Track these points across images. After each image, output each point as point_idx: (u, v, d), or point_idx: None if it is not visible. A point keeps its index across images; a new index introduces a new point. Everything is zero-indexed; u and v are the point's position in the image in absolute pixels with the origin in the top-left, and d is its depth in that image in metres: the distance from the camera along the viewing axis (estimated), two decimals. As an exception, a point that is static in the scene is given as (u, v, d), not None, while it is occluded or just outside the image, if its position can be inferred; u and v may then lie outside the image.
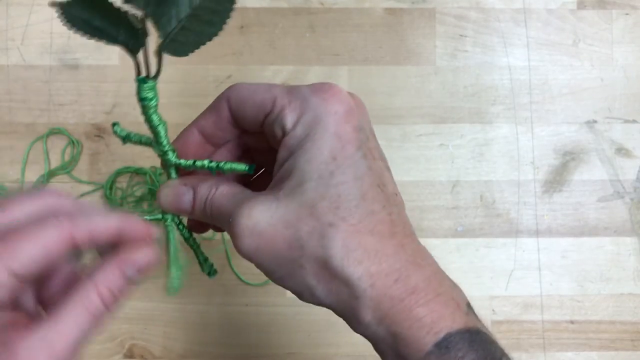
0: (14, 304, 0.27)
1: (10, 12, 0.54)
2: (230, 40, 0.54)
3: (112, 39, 0.28)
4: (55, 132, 0.53)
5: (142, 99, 0.29)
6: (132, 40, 0.27)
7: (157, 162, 0.53)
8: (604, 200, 0.55)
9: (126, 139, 0.32)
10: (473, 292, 0.53)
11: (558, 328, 0.54)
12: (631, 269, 0.54)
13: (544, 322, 0.54)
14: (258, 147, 0.33)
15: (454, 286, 0.30)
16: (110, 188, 0.53)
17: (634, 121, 0.55)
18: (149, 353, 0.53)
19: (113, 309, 0.28)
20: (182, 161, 0.32)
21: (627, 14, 0.56)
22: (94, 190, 0.53)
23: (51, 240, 0.26)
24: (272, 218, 0.28)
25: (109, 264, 0.29)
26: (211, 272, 0.35)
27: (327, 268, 0.27)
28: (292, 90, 0.29)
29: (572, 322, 0.54)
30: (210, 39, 0.30)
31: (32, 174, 0.53)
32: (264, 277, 0.32)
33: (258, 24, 0.55)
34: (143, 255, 0.29)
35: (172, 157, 0.32)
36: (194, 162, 0.32)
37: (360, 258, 0.27)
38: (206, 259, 0.35)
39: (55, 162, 0.53)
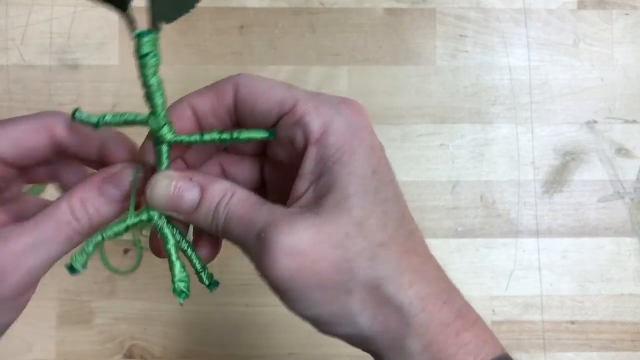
0: None
1: (10, 12, 0.54)
2: (230, 40, 0.54)
3: None
4: (55, 132, 0.53)
5: (141, 57, 0.25)
6: None
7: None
8: (604, 200, 0.55)
9: (99, 124, 0.27)
10: (473, 292, 0.53)
11: (558, 328, 0.54)
12: (631, 269, 0.54)
13: (544, 323, 0.54)
14: (248, 151, 0.30)
15: None
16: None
17: (634, 121, 0.55)
18: (149, 353, 0.53)
19: (85, 224, 0.26)
20: (184, 136, 0.26)
21: (627, 14, 0.56)
22: (93, 190, 0.53)
23: (28, 127, 0.27)
24: (317, 237, 0.24)
25: (88, 177, 0.27)
26: (211, 283, 0.29)
27: (377, 293, 0.25)
28: (316, 95, 0.26)
29: (572, 322, 0.54)
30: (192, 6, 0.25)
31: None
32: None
33: (258, 24, 0.55)
34: (120, 168, 0.27)
35: (168, 132, 0.26)
36: (202, 135, 0.27)
37: (411, 281, 0.25)
38: (204, 268, 0.29)
39: (55, 162, 0.53)
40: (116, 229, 0.27)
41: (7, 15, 0.54)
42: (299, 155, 0.26)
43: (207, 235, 0.30)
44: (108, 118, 0.27)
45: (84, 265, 0.27)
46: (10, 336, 0.53)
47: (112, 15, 0.54)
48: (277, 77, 0.56)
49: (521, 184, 0.55)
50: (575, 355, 0.54)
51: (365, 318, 0.25)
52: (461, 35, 0.55)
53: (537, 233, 0.54)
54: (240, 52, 0.54)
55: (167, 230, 0.27)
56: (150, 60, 0.25)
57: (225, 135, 0.27)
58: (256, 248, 0.25)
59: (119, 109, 0.54)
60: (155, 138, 0.27)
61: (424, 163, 0.54)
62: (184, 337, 0.53)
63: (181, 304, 0.27)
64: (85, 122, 0.27)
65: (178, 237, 0.28)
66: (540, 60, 0.55)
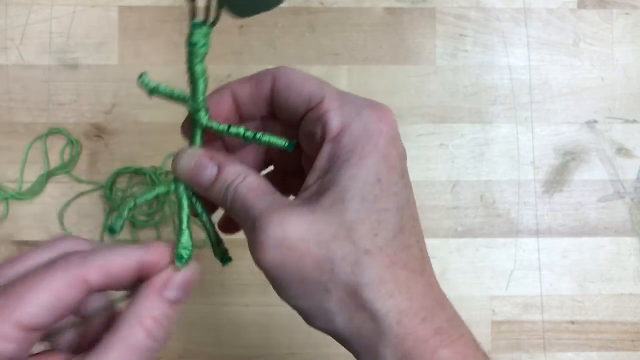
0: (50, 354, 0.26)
1: (10, 12, 0.54)
2: (230, 40, 0.54)
3: None
4: (54, 132, 0.53)
5: (191, 44, 0.26)
6: None
7: (158, 162, 0.53)
8: (605, 200, 0.55)
9: (154, 91, 0.29)
10: (473, 292, 0.53)
11: (558, 328, 0.54)
12: (632, 269, 0.54)
13: (545, 323, 0.54)
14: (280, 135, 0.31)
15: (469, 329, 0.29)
16: (111, 189, 0.53)
17: (635, 121, 0.55)
18: (149, 353, 0.53)
19: (163, 337, 0.26)
20: (215, 124, 0.29)
21: (627, 14, 0.56)
22: (93, 190, 0.53)
23: (61, 284, 0.24)
24: (306, 234, 0.25)
25: (146, 291, 0.26)
26: (224, 258, 0.31)
27: (355, 297, 0.25)
28: (344, 95, 0.27)
29: (572, 322, 0.54)
30: (268, 8, 0.27)
31: (32, 174, 0.53)
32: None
33: (258, 23, 0.55)
34: (180, 273, 0.27)
35: (204, 117, 0.29)
36: (229, 127, 0.29)
37: (392, 292, 0.25)
38: (220, 242, 0.31)
39: (54, 162, 0.53)
40: (147, 196, 0.30)
41: (6, 15, 0.54)
42: (318, 150, 0.27)
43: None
44: (162, 88, 0.29)
45: (122, 227, 0.30)
46: (10, 336, 0.53)
47: (112, 15, 0.54)
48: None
49: (521, 184, 0.55)
50: (575, 356, 0.54)
51: (341, 319, 0.26)
52: (461, 35, 0.55)
53: (537, 233, 0.54)
54: (240, 52, 0.54)
55: (185, 201, 0.30)
56: (200, 50, 0.27)
57: (249, 134, 0.28)
58: (250, 235, 0.26)
59: (119, 109, 0.54)
60: (193, 120, 0.29)
61: (424, 163, 0.54)
62: (184, 337, 0.53)
63: (178, 269, 0.28)
64: (144, 86, 0.29)
65: (200, 209, 0.30)
66: (541, 60, 0.55)
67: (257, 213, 0.26)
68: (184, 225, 0.29)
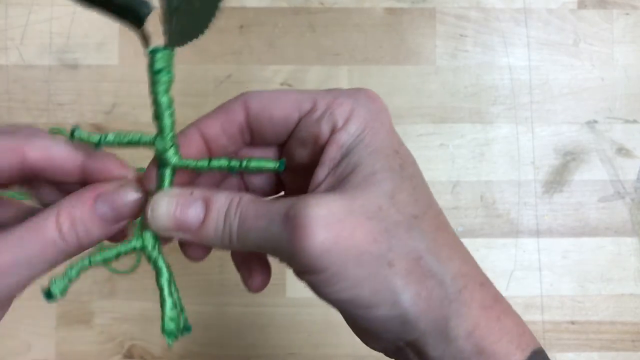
0: None
1: (10, 12, 0.54)
2: (230, 40, 0.54)
3: (113, 9, 0.23)
4: (54, 132, 0.53)
5: (154, 72, 0.24)
6: (136, 9, 0.23)
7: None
8: (605, 200, 0.55)
9: (100, 143, 0.25)
10: (473, 292, 0.53)
11: (558, 328, 0.54)
12: (632, 269, 0.54)
13: (545, 323, 0.54)
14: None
15: None
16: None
17: (635, 121, 0.55)
18: (149, 353, 0.52)
19: (74, 245, 0.24)
20: (191, 161, 0.25)
21: (627, 14, 0.56)
22: (93, 190, 0.53)
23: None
24: (351, 208, 0.23)
25: (79, 191, 0.25)
26: (185, 328, 0.26)
27: (419, 265, 0.23)
28: (331, 91, 0.26)
29: (572, 322, 0.54)
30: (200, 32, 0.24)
31: (32, 174, 0.53)
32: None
33: (258, 23, 0.55)
34: (117, 186, 0.25)
35: (173, 156, 0.25)
36: (209, 161, 0.26)
37: (450, 255, 0.24)
38: (182, 310, 0.26)
39: (54, 162, 0.53)
40: (106, 255, 0.25)
41: (6, 15, 0.54)
42: (316, 153, 0.26)
43: (256, 262, 0.29)
44: (110, 137, 0.25)
45: (63, 292, 0.24)
46: (10, 336, 0.53)
47: (111, 15, 0.54)
48: (277, 77, 0.56)
49: (521, 184, 0.55)
50: (575, 356, 0.54)
51: (408, 295, 0.23)
52: (461, 35, 0.55)
53: (537, 233, 0.54)
54: (240, 52, 0.54)
55: (162, 263, 0.26)
56: (163, 77, 0.24)
57: (235, 163, 0.26)
58: (285, 231, 0.23)
59: (119, 109, 0.54)
60: (160, 160, 0.25)
61: (424, 163, 0.54)
62: (184, 337, 0.53)
63: (169, 346, 0.25)
64: (85, 141, 0.25)
65: (168, 271, 0.26)
66: (541, 60, 0.55)
67: (286, 209, 0.23)
68: (166, 293, 0.25)
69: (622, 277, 0.54)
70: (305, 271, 0.23)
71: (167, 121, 0.25)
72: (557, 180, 0.55)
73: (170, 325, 0.25)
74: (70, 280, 0.25)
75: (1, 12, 0.54)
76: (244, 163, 0.26)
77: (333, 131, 0.25)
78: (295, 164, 0.27)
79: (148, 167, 0.26)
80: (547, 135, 0.55)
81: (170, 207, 0.25)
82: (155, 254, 0.26)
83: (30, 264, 0.24)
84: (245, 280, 0.30)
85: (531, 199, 0.55)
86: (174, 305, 0.25)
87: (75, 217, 0.24)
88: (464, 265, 0.24)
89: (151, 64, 0.24)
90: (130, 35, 0.58)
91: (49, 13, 0.54)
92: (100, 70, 0.54)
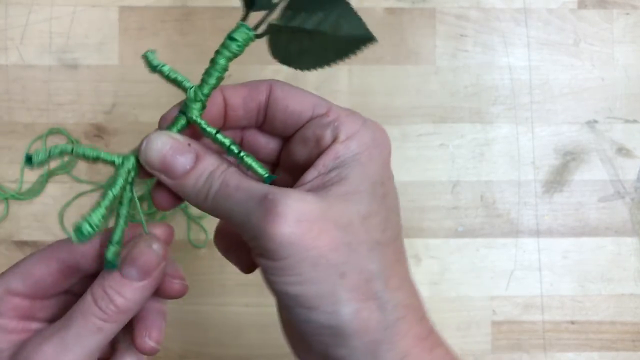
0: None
1: (10, 12, 0.54)
2: (230, 40, 0.54)
3: None
4: (54, 132, 0.53)
5: (230, 37, 0.27)
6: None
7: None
8: (605, 200, 0.55)
9: (155, 69, 0.28)
10: (473, 292, 0.53)
11: (559, 328, 0.54)
12: (632, 269, 0.54)
13: (545, 323, 0.54)
14: (266, 146, 0.31)
15: None
16: (110, 188, 0.53)
17: (635, 121, 0.55)
18: (149, 353, 0.53)
19: (112, 311, 0.26)
20: (204, 122, 0.27)
21: (627, 14, 0.56)
22: (93, 190, 0.53)
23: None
24: (326, 214, 0.24)
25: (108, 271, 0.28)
26: (113, 261, 0.27)
27: (367, 286, 0.25)
28: (345, 108, 0.28)
29: (572, 322, 0.54)
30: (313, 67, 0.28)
31: (32, 174, 0.53)
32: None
33: (258, 23, 0.55)
34: (135, 247, 0.27)
35: (197, 111, 0.27)
36: (217, 131, 0.27)
37: (399, 286, 0.26)
38: (119, 244, 0.28)
39: (54, 162, 0.53)
40: (87, 151, 0.28)
41: (6, 15, 0.54)
42: (320, 153, 0.27)
43: (241, 250, 0.30)
44: (165, 68, 0.28)
45: (40, 164, 0.27)
46: (10, 336, 0.53)
47: (112, 15, 0.54)
48: (276, 77, 0.56)
49: (521, 184, 0.55)
50: (575, 356, 0.54)
51: (349, 309, 0.24)
52: (461, 35, 0.55)
53: (537, 233, 0.54)
54: (240, 52, 0.54)
55: (129, 194, 0.28)
56: (233, 46, 0.27)
57: (234, 148, 0.27)
58: (259, 210, 0.24)
59: (119, 109, 0.54)
60: (184, 107, 0.27)
61: (424, 163, 0.54)
62: (184, 337, 0.53)
63: (73, 241, 0.26)
64: (149, 61, 0.28)
65: (131, 196, 0.28)
66: (541, 60, 0.55)
67: (266, 191, 0.25)
68: (121, 221, 0.28)
69: (622, 277, 0.54)
70: (264, 255, 0.25)
71: (212, 80, 0.27)
72: (557, 180, 0.55)
73: (111, 251, 0.27)
74: (51, 156, 0.27)
75: (1, 12, 0.54)
76: (241, 154, 0.27)
77: (335, 141, 0.27)
78: (291, 160, 0.29)
79: (172, 107, 0.28)
80: (547, 135, 0.55)
81: (164, 147, 0.26)
82: (126, 177, 0.28)
83: (78, 340, 0.26)
84: (236, 265, 0.32)
85: (531, 199, 0.55)
86: (120, 238, 0.27)
87: (107, 285, 0.26)
88: (409, 298, 0.26)
89: (232, 31, 0.27)
90: (131, 35, 0.57)
91: (49, 13, 0.54)
92: (100, 70, 0.54)
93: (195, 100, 0.27)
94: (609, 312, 0.54)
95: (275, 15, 0.27)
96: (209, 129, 0.27)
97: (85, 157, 0.28)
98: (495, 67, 0.55)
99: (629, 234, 0.54)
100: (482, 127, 0.55)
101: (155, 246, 0.27)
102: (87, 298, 0.26)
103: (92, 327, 0.26)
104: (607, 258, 0.54)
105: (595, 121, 0.55)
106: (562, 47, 0.55)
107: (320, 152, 0.27)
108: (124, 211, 0.28)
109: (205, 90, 0.27)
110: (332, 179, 0.26)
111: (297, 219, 0.24)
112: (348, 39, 0.29)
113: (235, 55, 0.27)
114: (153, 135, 0.27)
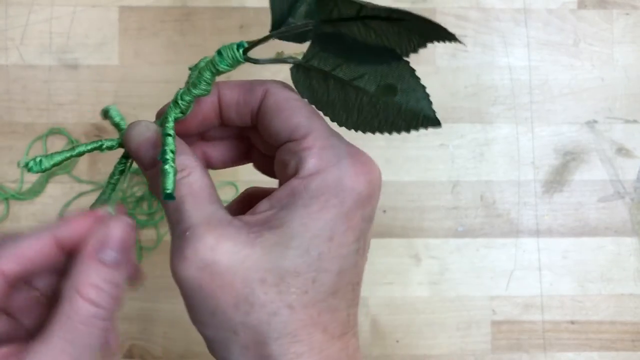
0: None
1: (10, 12, 0.54)
2: (230, 40, 0.54)
3: None
4: (54, 132, 0.53)
5: (218, 52, 0.27)
6: None
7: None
8: (605, 200, 0.55)
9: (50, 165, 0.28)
10: (473, 292, 0.53)
11: (558, 328, 0.54)
12: (632, 269, 0.54)
13: (545, 323, 0.54)
14: (260, 147, 0.30)
15: None
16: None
17: (635, 121, 0.55)
18: (149, 353, 0.53)
19: (109, 304, 0.25)
20: (171, 124, 0.27)
21: (627, 14, 0.56)
22: (93, 190, 0.53)
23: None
24: (236, 266, 0.23)
25: (79, 260, 0.25)
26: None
27: (260, 348, 0.24)
28: (331, 137, 0.26)
29: (572, 322, 0.54)
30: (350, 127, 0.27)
31: (32, 174, 0.53)
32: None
33: (258, 23, 0.55)
34: (112, 230, 0.25)
35: (173, 114, 0.27)
36: (167, 134, 0.26)
37: (302, 353, 0.24)
38: (109, 201, 0.29)
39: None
40: (80, 149, 0.29)
41: (6, 15, 0.54)
42: (285, 181, 0.26)
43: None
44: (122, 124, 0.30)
45: (40, 171, 0.28)
46: (10, 336, 0.53)
47: (112, 15, 0.54)
48: (276, 77, 0.56)
49: (521, 184, 0.55)
50: (575, 355, 0.54)
51: None
52: (461, 35, 0.55)
53: (537, 233, 0.54)
54: (240, 52, 0.54)
55: (120, 166, 0.30)
56: (222, 63, 0.27)
57: (165, 153, 0.26)
58: (176, 241, 0.24)
59: (119, 109, 0.54)
60: (174, 103, 0.27)
61: (424, 163, 0.54)
62: (184, 337, 0.53)
63: (20, 166, 0.27)
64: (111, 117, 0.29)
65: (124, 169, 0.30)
66: (541, 60, 0.55)
67: (193, 222, 0.24)
68: (108, 189, 0.29)
69: (622, 277, 0.54)
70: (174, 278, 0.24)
71: (202, 85, 0.27)
72: (557, 180, 0.55)
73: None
74: (50, 168, 0.28)
75: (1, 12, 0.54)
76: (165, 163, 0.25)
77: (297, 174, 0.25)
78: (278, 168, 0.28)
79: (167, 104, 0.28)
80: (547, 135, 0.55)
81: (141, 136, 0.27)
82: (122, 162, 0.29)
83: (84, 346, 0.24)
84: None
85: (531, 199, 0.55)
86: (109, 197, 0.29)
87: (95, 281, 0.24)
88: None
89: (225, 47, 0.27)
90: (131, 35, 0.57)
91: (49, 13, 0.54)
92: (100, 70, 0.54)
93: (175, 102, 0.27)
94: (608, 312, 0.54)
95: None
96: (165, 130, 0.26)
97: (77, 154, 0.29)
98: (495, 67, 0.55)
99: (629, 234, 0.54)
100: (482, 127, 0.55)
101: (126, 224, 0.26)
102: (77, 301, 0.24)
103: (95, 329, 0.24)
104: (607, 258, 0.54)
105: (595, 121, 0.55)
106: (562, 47, 0.56)
107: (286, 179, 0.25)
108: (114, 178, 0.29)
109: (187, 97, 0.27)
110: (274, 220, 0.24)
111: (201, 267, 0.23)
112: (407, 113, 0.26)
113: (220, 73, 0.26)
114: (135, 124, 0.28)
